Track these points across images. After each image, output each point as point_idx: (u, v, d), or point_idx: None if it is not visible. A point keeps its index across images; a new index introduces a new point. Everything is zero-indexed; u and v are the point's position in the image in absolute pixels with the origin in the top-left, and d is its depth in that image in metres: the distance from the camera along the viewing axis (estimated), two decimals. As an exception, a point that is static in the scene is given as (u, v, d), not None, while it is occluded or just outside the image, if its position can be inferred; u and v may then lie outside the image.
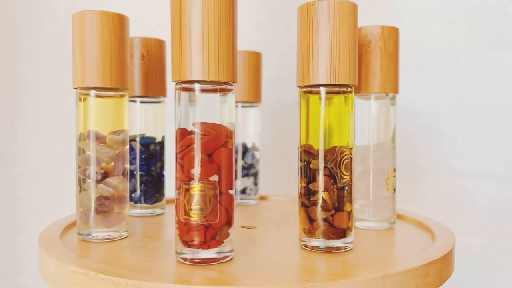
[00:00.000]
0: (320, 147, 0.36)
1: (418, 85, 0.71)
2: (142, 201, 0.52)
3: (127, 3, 0.62)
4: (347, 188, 0.37)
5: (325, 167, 0.36)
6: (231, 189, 0.35)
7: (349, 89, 0.37)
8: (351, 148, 0.37)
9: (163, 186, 0.53)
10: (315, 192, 0.36)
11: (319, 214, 0.36)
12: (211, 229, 0.33)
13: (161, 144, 0.53)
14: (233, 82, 0.35)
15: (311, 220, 0.37)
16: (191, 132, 0.33)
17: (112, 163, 0.41)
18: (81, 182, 0.41)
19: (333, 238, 0.37)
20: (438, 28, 0.70)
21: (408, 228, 0.46)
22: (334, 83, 0.36)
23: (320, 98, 0.36)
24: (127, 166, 0.42)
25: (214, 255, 0.34)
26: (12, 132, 0.70)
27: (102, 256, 0.36)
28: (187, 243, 0.34)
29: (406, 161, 0.67)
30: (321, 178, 0.36)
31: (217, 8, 0.33)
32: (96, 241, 0.40)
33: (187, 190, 0.33)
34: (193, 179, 0.33)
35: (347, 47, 0.36)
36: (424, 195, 0.72)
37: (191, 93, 0.33)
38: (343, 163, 0.36)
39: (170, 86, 0.54)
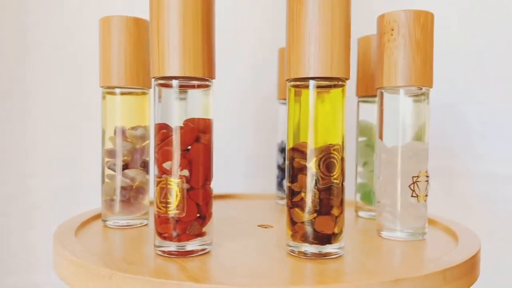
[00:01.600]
0: (309, 145, 0.34)
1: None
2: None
3: (133, 3, 0.61)
4: (333, 190, 0.34)
5: (306, 166, 0.34)
6: (206, 184, 0.35)
7: (341, 82, 0.34)
8: (341, 147, 0.34)
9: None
10: (296, 193, 0.34)
11: (299, 216, 0.34)
12: (181, 223, 0.34)
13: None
14: (211, 78, 0.35)
15: (293, 222, 0.35)
16: (165, 127, 0.34)
17: (130, 157, 0.44)
18: (104, 173, 0.45)
19: (315, 244, 0.34)
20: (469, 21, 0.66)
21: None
22: (324, 75, 0.33)
23: (308, 92, 0.34)
24: (148, 159, 0.45)
25: (190, 248, 0.34)
26: (22, 128, 0.67)
27: (98, 245, 0.39)
28: (161, 235, 0.35)
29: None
30: (307, 178, 0.34)
31: (195, 7, 0.33)
32: (116, 227, 0.44)
33: (158, 183, 0.34)
34: (164, 173, 0.34)
35: (337, 38, 0.33)
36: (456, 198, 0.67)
37: (169, 89, 0.34)
38: (324, 162, 0.33)
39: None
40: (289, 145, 0.35)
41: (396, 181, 0.40)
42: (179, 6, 0.33)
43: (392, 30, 0.39)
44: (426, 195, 0.40)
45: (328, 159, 0.33)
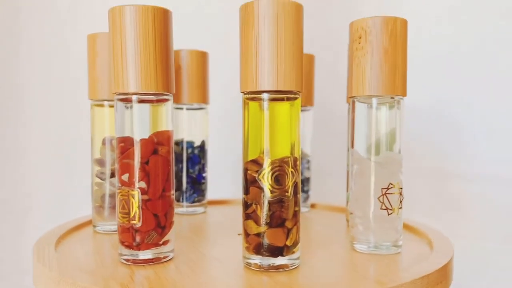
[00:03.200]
0: (262, 157, 0.34)
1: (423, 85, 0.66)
2: (182, 200, 0.56)
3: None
4: (284, 203, 0.34)
5: (256, 178, 0.34)
6: (165, 195, 0.36)
7: (295, 95, 0.34)
8: (292, 160, 0.34)
9: (202, 187, 0.57)
10: (249, 205, 0.34)
11: (252, 228, 0.34)
12: (139, 232, 0.35)
13: (200, 148, 0.56)
14: (170, 93, 0.36)
15: (246, 234, 0.35)
16: (124, 141, 0.36)
17: (116, 165, 0.46)
18: (93, 181, 0.47)
19: (268, 256, 0.34)
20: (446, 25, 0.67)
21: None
22: (277, 89, 0.33)
23: (259, 104, 0.34)
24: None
25: (148, 257, 0.36)
26: (16, 131, 0.67)
27: (73, 257, 0.42)
28: (123, 243, 0.36)
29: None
30: (258, 190, 0.34)
31: (152, 23, 0.34)
32: (105, 232, 0.46)
33: (118, 194, 0.36)
34: (123, 185, 0.35)
35: (290, 50, 0.33)
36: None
37: (128, 104, 0.36)
38: (273, 175, 0.33)
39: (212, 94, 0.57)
40: (244, 157, 0.35)
41: (367, 192, 0.39)
42: (133, 26, 0.34)
43: (360, 38, 0.38)
44: (400, 208, 0.39)
45: (278, 171, 0.33)
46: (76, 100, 0.69)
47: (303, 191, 0.57)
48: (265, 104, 0.34)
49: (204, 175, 0.57)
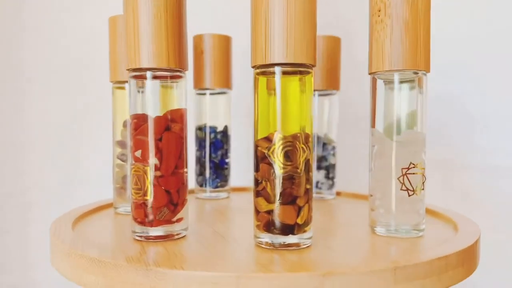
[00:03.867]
0: (275, 133, 0.33)
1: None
2: (205, 185, 0.56)
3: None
4: (294, 179, 0.32)
5: (266, 155, 0.33)
6: (177, 172, 0.36)
7: (307, 69, 0.33)
8: (303, 136, 0.33)
9: (225, 172, 0.56)
10: (259, 182, 0.34)
11: (261, 206, 0.33)
12: (152, 208, 0.35)
13: (223, 133, 0.56)
14: (182, 70, 0.36)
15: (257, 212, 0.34)
16: (137, 117, 0.36)
17: (136, 147, 0.46)
18: (114, 162, 0.48)
19: (278, 234, 0.33)
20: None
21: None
22: (289, 61, 0.32)
23: (267, 80, 0.33)
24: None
25: (159, 233, 0.36)
26: (18, 124, 0.68)
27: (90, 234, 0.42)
28: (136, 220, 0.36)
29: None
30: (267, 167, 0.33)
31: (164, 2, 0.34)
32: (126, 213, 0.47)
33: (131, 170, 0.36)
34: (136, 161, 0.36)
35: (301, 23, 0.32)
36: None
37: (142, 81, 0.36)
38: (283, 151, 0.32)
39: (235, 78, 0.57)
40: (255, 134, 0.34)
41: (387, 173, 0.37)
42: (146, 3, 0.34)
43: (379, 11, 0.36)
44: (422, 189, 0.37)
45: (287, 147, 0.32)
46: (79, 89, 0.70)
47: (328, 177, 0.56)
48: (277, 78, 0.33)
49: (227, 160, 0.56)
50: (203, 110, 0.56)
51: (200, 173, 0.56)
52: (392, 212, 0.37)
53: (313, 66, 0.33)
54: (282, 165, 0.32)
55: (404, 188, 0.36)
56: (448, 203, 0.65)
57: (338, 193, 0.58)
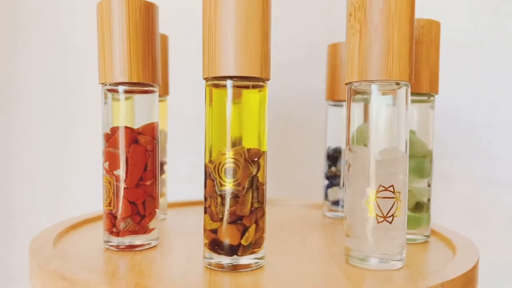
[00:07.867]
0: (227, 148, 0.32)
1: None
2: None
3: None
4: (238, 198, 0.31)
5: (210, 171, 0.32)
6: (143, 184, 0.36)
7: (261, 83, 0.31)
8: (244, 151, 0.31)
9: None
10: (206, 199, 0.33)
11: (206, 224, 0.32)
12: (117, 219, 0.36)
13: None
14: (155, 84, 0.36)
15: (204, 230, 0.33)
16: (112, 130, 0.37)
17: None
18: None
19: (222, 254, 0.32)
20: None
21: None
22: (242, 75, 0.31)
23: (226, 92, 0.32)
24: (165, 159, 0.48)
25: (126, 243, 0.37)
26: (8, 131, 0.66)
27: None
28: (106, 230, 0.38)
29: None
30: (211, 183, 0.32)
31: (137, 16, 0.35)
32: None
33: (102, 181, 0.37)
34: (106, 172, 0.37)
35: (255, 34, 0.30)
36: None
37: (115, 94, 0.37)
38: (222, 168, 0.31)
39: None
40: (205, 148, 0.33)
41: (356, 195, 0.33)
42: (119, 19, 0.35)
43: (350, 15, 0.33)
44: (397, 216, 0.32)
45: (229, 164, 0.31)
46: (69, 94, 0.68)
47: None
48: (229, 91, 0.31)
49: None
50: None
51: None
52: (362, 240, 0.33)
53: (267, 80, 0.31)
54: (222, 182, 0.31)
55: (372, 213, 0.32)
56: (453, 216, 0.65)
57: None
